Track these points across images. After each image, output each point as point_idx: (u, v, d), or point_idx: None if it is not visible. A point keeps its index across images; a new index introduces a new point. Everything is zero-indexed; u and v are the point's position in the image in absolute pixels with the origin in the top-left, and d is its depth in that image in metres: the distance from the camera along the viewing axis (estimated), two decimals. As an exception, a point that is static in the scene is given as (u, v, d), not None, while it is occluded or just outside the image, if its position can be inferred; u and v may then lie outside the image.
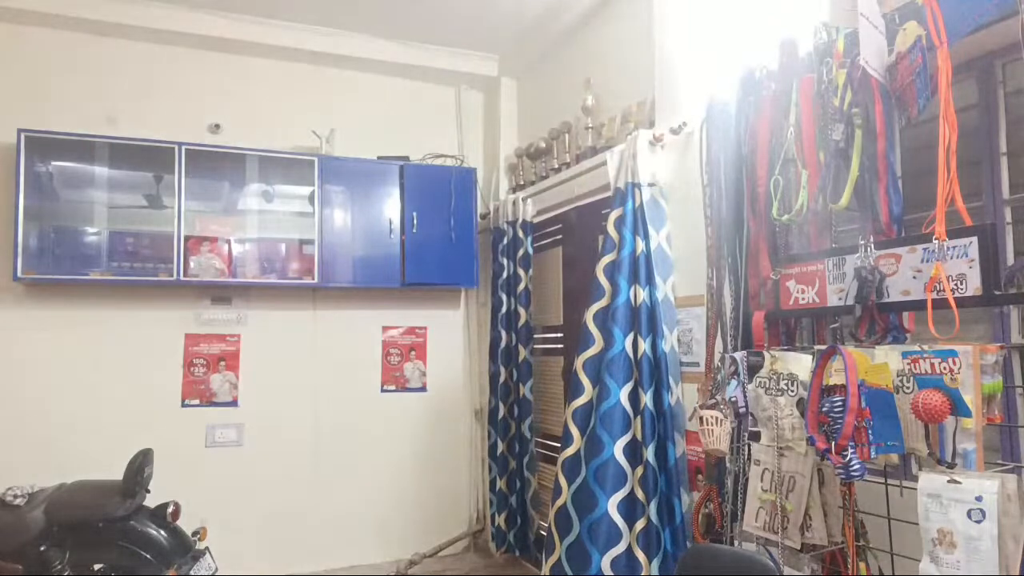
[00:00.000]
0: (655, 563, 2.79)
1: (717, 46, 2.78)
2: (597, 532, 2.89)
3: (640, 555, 2.84)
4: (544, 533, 4.29)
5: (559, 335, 4.28)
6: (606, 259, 3.11)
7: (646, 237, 3.02)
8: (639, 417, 2.93)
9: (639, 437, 2.92)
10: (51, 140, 3.77)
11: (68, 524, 3.09)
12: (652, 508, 2.81)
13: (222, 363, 4.27)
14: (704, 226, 2.71)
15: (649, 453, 2.86)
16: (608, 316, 3.05)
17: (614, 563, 2.86)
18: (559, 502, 3.08)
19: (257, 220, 4.34)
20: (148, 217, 4.06)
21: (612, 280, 3.08)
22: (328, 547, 4.45)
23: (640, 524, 2.86)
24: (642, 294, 2.98)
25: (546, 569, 3.10)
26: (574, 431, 3.08)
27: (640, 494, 2.88)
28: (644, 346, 2.93)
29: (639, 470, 2.90)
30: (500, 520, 4.34)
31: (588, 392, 3.07)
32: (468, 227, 4.58)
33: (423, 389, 4.77)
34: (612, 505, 2.89)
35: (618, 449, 2.93)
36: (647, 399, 2.90)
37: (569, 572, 2.97)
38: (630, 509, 2.91)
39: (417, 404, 4.75)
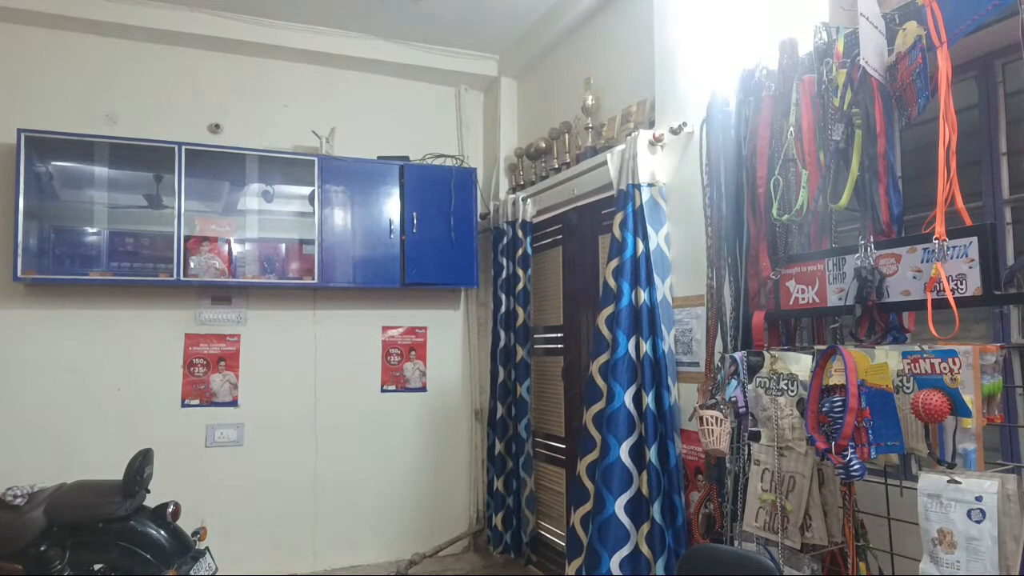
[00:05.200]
0: (660, 562, 2.80)
1: (717, 46, 2.78)
2: (605, 533, 2.91)
3: (647, 552, 2.86)
4: (541, 533, 4.30)
5: (559, 335, 4.28)
6: (614, 262, 3.11)
7: (645, 238, 3.02)
8: (642, 419, 2.93)
9: (644, 438, 2.92)
10: (51, 140, 3.77)
11: (68, 524, 3.09)
12: (655, 508, 2.82)
13: (222, 363, 4.27)
14: (704, 226, 2.71)
15: (652, 454, 2.86)
16: (614, 320, 3.06)
17: (623, 563, 2.87)
18: (586, 507, 3.08)
19: (257, 220, 4.34)
20: (148, 217, 4.07)
21: (619, 283, 3.08)
22: (328, 547, 4.45)
23: (646, 526, 2.87)
24: (643, 295, 2.98)
25: (571, 571, 3.11)
26: (596, 435, 3.08)
27: (646, 495, 2.89)
28: (645, 347, 2.94)
29: (644, 471, 2.90)
30: (497, 520, 4.34)
31: (605, 397, 3.08)
32: (468, 227, 4.58)
33: (423, 389, 4.77)
34: (619, 506, 2.91)
35: (623, 451, 2.95)
36: (649, 400, 2.90)
37: (583, 573, 2.99)
38: (637, 510, 2.92)
39: (417, 404, 4.75)
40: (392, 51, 4.61)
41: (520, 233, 4.28)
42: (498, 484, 4.35)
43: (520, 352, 4.20)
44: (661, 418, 2.90)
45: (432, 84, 4.95)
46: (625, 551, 2.89)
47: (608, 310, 3.11)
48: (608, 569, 2.87)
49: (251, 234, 4.30)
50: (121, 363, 4.06)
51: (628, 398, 2.98)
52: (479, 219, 4.68)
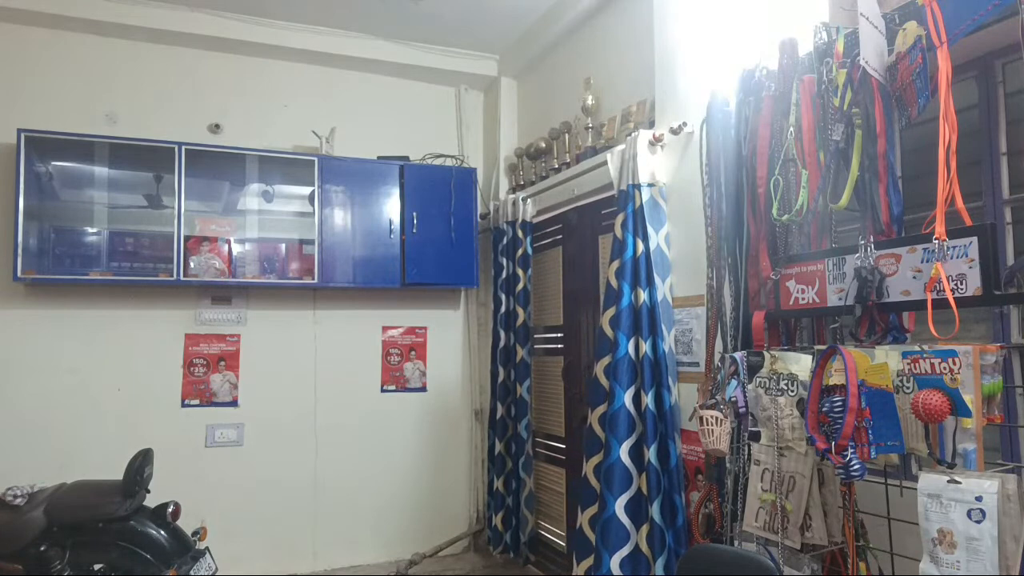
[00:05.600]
0: (660, 562, 2.80)
1: (717, 46, 2.78)
2: (606, 533, 2.93)
3: (647, 552, 2.87)
4: (541, 533, 4.30)
5: (559, 335, 4.28)
6: (616, 263, 3.12)
7: (645, 238, 3.02)
8: (642, 419, 2.94)
9: (643, 438, 2.93)
10: (51, 140, 3.77)
11: (68, 524, 3.09)
12: (655, 508, 2.82)
13: (222, 363, 4.27)
14: (704, 226, 2.71)
15: (651, 454, 2.86)
16: (616, 320, 3.07)
17: (623, 563, 2.88)
18: (593, 508, 3.09)
19: (257, 220, 4.34)
20: (148, 217, 4.07)
21: (620, 284, 3.09)
22: (328, 547, 4.45)
23: (646, 526, 2.88)
24: (643, 295, 2.98)
25: (580, 571, 3.12)
26: (602, 436, 3.09)
27: (646, 495, 2.89)
28: (645, 348, 2.94)
29: (644, 472, 2.91)
30: (497, 520, 4.34)
31: (608, 397, 3.08)
32: (468, 227, 4.58)
33: (423, 389, 4.77)
34: (619, 506, 2.92)
35: (623, 451, 2.96)
36: (648, 400, 2.91)
37: (591, 574, 3.01)
38: (637, 510, 2.92)
39: (417, 404, 4.75)
40: (392, 51, 4.61)
41: (520, 233, 4.28)
42: (498, 484, 4.35)
43: (520, 352, 4.20)
44: (661, 418, 2.90)
45: (432, 84, 4.95)
46: (625, 551, 2.90)
47: (611, 311, 3.11)
48: (608, 569, 2.88)
49: (251, 234, 4.30)
50: (121, 363, 4.06)
51: (628, 399, 2.98)
52: (479, 219, 4.68)
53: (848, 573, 1.91)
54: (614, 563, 2.89)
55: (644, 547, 2.89)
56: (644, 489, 2.90)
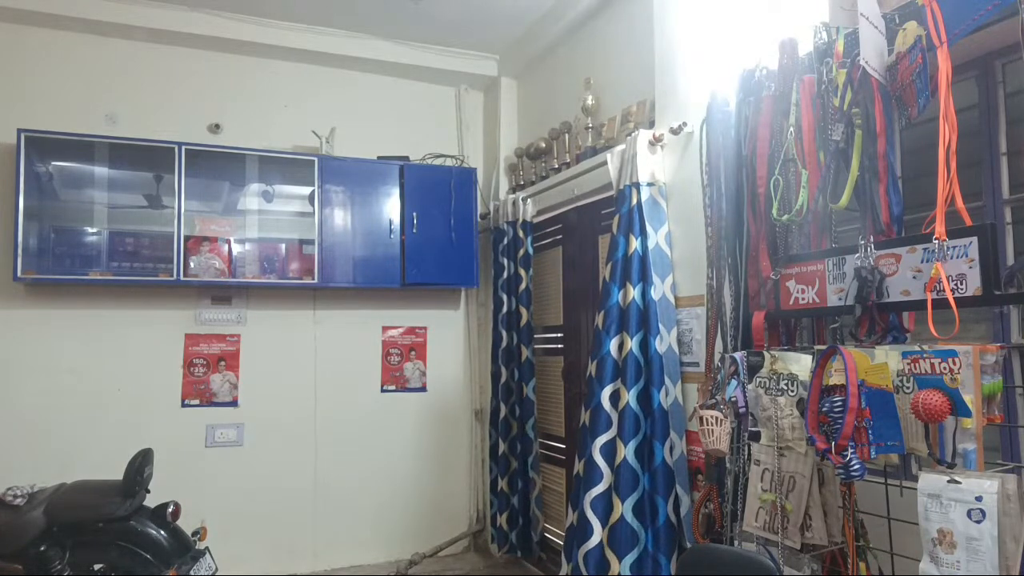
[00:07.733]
0: (626, 561, 2.79)
1: (717, 46, 2.78)
2: (576, 527, 2.96)
3: (609, 553, 2.87)
4: (543, 533, 4.30)
5: (559, 335, 4.28)
6: (609, 263, 3.12)
7: (644, 237, 3.02)
8: (620, 417, 2.95)
9: (619, 435, 2.94)
10: (51, 140, 3.76)
11: (68, 524, 3.09)
12: (626, 507, 2.83)
13: (222, 363, 4.27)
14: (704, 226, 2.71)
15: (628, 452, 2.87)
16: (602, 319, 3.07)
17: (587, 557, 2.91)
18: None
19: (257, 220, 4.34)
20: (148, 217, 4.07)
21: (612, 282, 3.09)
22: (328, 547, 4.45)
23: (612, 521, 2.89)
24: (632, 293, 2.98)
25: (567, 569, 3.14)
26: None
27: (614, 492, 2.91)
28: (630, 345, 2.95)
29: (614, 470, 2.93)
30: (502, 520, 4.33)
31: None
32: (468, 227, 4.58)
33: (423, 389, 4.77)
34: (587, 502, 2.94)
35: (596, 448, 2.97)
36: (629, 398, 2.92)
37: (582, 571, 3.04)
38: (605, 507, 2.93)
39: (417, 404, 4.75)
40: (392, 51, 4.61)
41: (521, 233, 4.28)
42: (502, 484, 4.35)
43: (524, 352, 4.21)
44: (648, 417, 2.90)
45: (432, 84, 4.95)
46: (588, 546, 2.92)
47: (601, 311, 3.12)
48: (576, 561, 2.91)
49: (251, 234, 4.30)
50: (121, 363, 4.06)
51: (605, 396, 3.00)
52: (479, 219, 4.68)
53: (848, 573, 1.91)
54: (580, 556, 2.91)
55: (606, 545, 2.90)
56: (615, 487, 2.92)
